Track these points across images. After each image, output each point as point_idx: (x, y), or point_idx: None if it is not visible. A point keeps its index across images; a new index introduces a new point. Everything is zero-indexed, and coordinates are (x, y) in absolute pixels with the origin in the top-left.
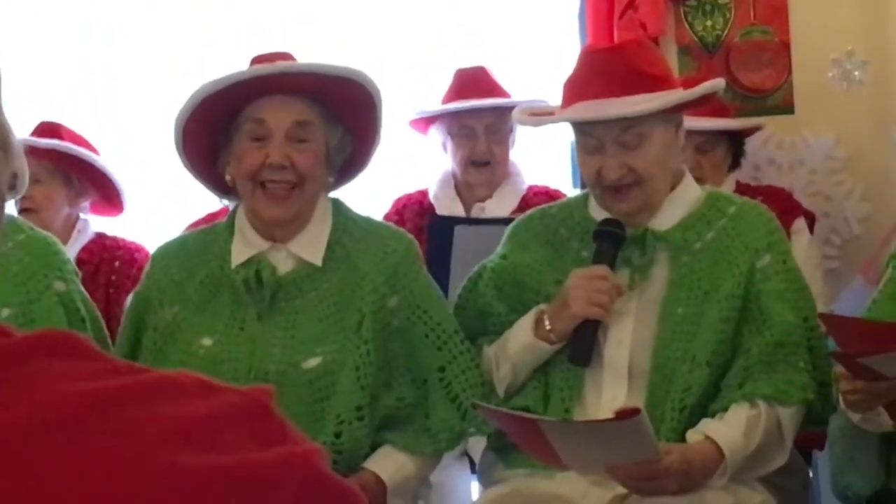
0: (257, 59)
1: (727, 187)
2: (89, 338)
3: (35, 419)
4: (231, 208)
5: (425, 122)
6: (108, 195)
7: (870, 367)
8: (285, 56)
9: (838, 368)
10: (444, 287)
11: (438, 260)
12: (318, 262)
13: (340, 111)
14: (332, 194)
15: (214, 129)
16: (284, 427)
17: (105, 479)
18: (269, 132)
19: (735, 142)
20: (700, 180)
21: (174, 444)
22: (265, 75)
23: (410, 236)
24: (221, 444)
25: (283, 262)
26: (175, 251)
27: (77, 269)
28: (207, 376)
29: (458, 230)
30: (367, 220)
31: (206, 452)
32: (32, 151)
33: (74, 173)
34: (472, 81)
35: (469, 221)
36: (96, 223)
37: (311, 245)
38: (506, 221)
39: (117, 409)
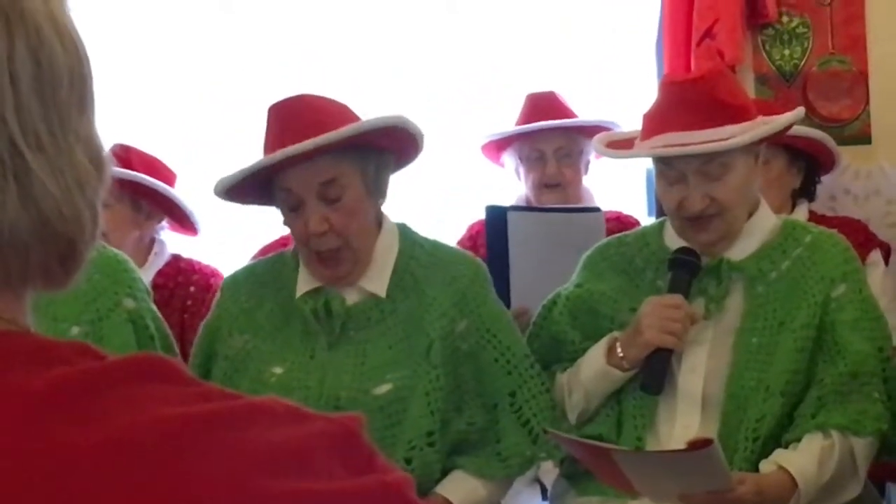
0: (274, 111)
1: (800, 216)
2: (181, 362)
3: (126, 443)
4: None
5: (497, 149)
6: (178, 218)
7: None
8: (302, 102)
9: None
10: (505, 276)
11: (496, 249)
12: (382, 294)
13: (370, 143)
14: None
15: (255, 192)
16: (374, 455)
17: (193, 503)
18: (300, 200)
19: (803, 165)
20: None
21: (264, 470)
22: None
23: (479, 260)
24: (311, 472)
25: (349, 293)
26: (244, 280)
27: (150, 289)
28: None
29: (512, 216)
30: (435, 245)
31: (296, 479)
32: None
33: (142, 199)
34: (543, 105)
35: (522, 209)
36: (174, 243)
37: (376, 278)
38: (560, 210)
39: (207, 434)
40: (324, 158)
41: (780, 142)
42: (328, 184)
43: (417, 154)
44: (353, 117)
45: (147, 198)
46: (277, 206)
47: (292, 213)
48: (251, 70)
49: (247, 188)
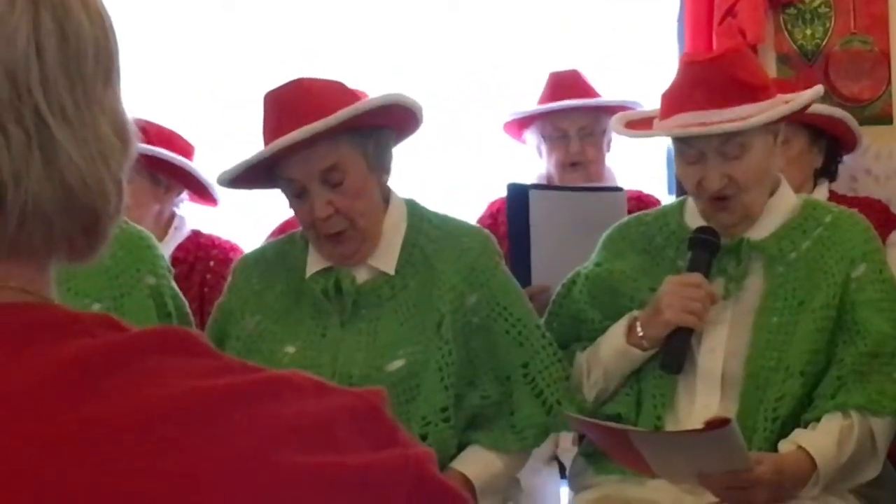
0: (270, 100)
1: (820, 196)
2: (202, 335)
3: (148, 414)
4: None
5: (519, 127)
6: (198, 191)
7: None
8: (298, 87)
9: None
10: (525, 254)
11: (517, 227)
12: (391, 271)
13: (368, 123)
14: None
15: (259, 178)
16: (396, 429)
17: (216, 476)
18: (303, 187)
19: (824, 145)
20: None
21: (287, 442)
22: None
23: (487, 231)
24: (334, 445)
25: (359, 270)
26: (254, 262)
27: (171, 266)
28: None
29: (534, 195)
30: (443, 219)
31: (319, 452)
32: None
33: (161, 173)
34: (566, 84)
35: (544, 187)
36: (193, 218)
37: (384, 255)
38: (582, 189)
39: (231, 407)
40: (323, 144)
41: (801, 120)
42: (330, 169)
43: (417, 127)
44: (349, 97)
45: (165, 171)
46: (282, 192)
47: (297, 199)
48: (252, 68)
49: (250, 177)
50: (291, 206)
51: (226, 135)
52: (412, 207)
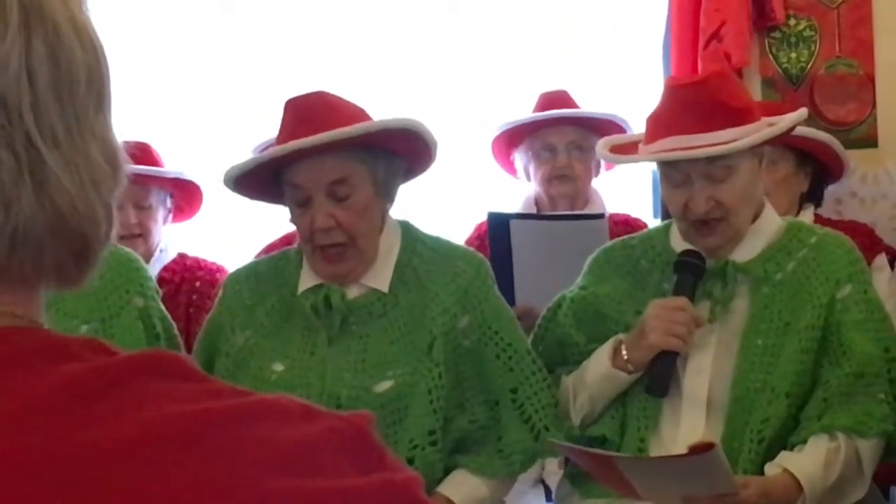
0: (290, 105)
1: (805, 220)
2: (190, 358)
3: (136, 439)
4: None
5: (508, 146)
6: (189, 200)
7: None
8: (318, 98)
9: None
10: (509, 283)
11: (499, 256)
12: (385, 289)
13: (382, 144)
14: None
15: (263, 186)
16: (383, 454)
17: (203, 501)
18: (307, 196)
19: (811, 169)
20: None
21: (274, 467)
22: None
23: (481, 256)
24: (321, 470)
25: (351, 288)
26: (246, 277)
27: (158, 287)
28: None
29: (515, 224)
30: (437, 241)
31: (306, 477)
32: (137, 179)
33: (177, 198)
34: (555, 102)
35: (525, 216)
36: (178, 241)
37: (378, 273)
38: (563, 217)
39: (218, 432)
40: (335, 156)
41: (787, 143)
42: (338, 182)
43: (429, 164)
44: (367, 119)
45: (182, 195)
46: (284, 203)
47: (300, 208)
48: (251, 72)
49: (256, 180)
50: (293, 216)
51: (224, 139)
52: (406, 229)
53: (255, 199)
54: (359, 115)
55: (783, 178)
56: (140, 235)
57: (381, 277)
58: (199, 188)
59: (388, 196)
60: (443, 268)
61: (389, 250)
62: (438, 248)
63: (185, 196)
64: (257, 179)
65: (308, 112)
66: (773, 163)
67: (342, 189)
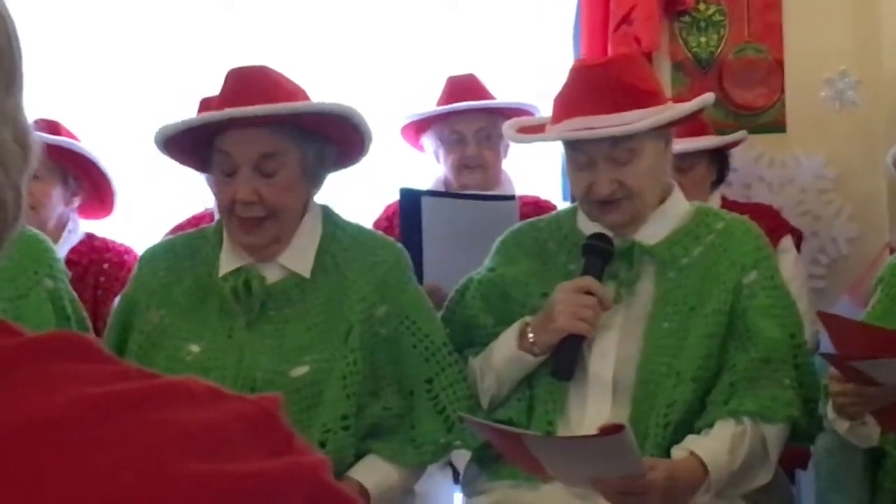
0: (232, 74)
1: (713, 203)
2: (97, 340)
3: (40, 421)
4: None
5: (416, 131)
6: (101, 195)
7: (863, 371)
8: (261, 71)
9: (830, 370)
10: (417, 260)
11: (409, 233)
12: (307, 274)
13: (316, 127)
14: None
15: (193, 150)
16: (291, 437)
17: (108, 484)
18: (235, 166)
19: (718, 157)
20: None
21: (180, 450)
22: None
23: (400, 246)
24: (228, 452)
25: (271, 272)
26: (163, 254)
27: (66, 269)
28: None
29: (426, 201)
30: (357, 229)
31: (213, 460)
32: None
33: (73, 172)
34: (463, 87)
35: (437, 194)
36: (84, 224)
37: (299, 257)
38: (475, 196)
39: (125, 414)
40: (268, 130)
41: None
42: (267, 156)
43: (361, 154)
44: (306, 99)
45: (78, 170)
46: (211, 171)
47: (225, 177)
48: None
49: (187, 142)
50: (216, 185)
51: None
52: (327, 214)
53: (183, 163)
54: (299, 94)
55: (700, 179)
56: (31, 207)
57: (302, 261)
58: (109, 180)
59: (315, 181)
60: (362, 256)
61: (312, 234)
62: (358, 236)
63: (93, 184)
64: (189, 142)
65: (248, 82)
66: (692, 167)
67: (270, 164)
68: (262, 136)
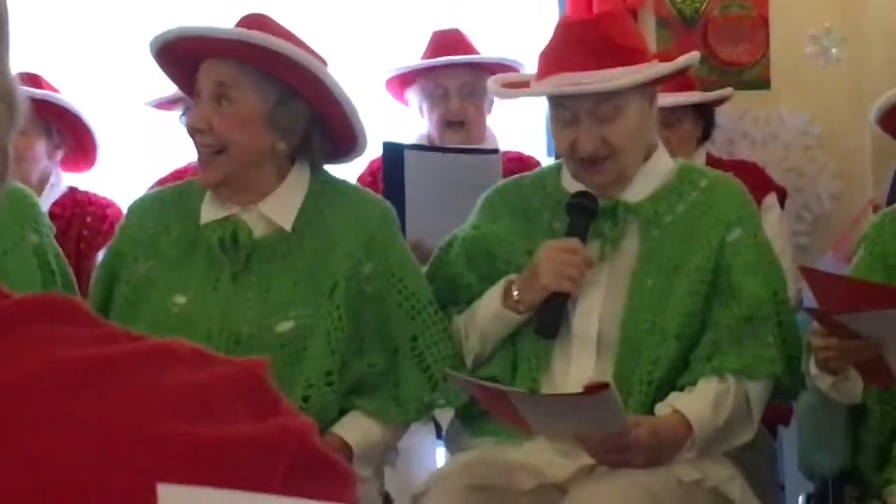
0: (241, 21)
1: (697, 160)
2: (84, 302)
3: (26, 384)
4: None
5: (401, 85)
6: (84, 149)
7: (846, 324)
8: (260, 18)
9: (813, 325)
10: (400, 214)
11: (392, 187)
12: (288, 227)
13: (285, 77)
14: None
15: (187, 71)
16: (278, 400)
17: (94, 446)
18: (198, 92)
19: (704, 114)
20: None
21: (167, 412)
22: (188, 36)
23: (388, 203)
24: (215, 415)
25: (256, 225)
26: (150, 205)
27: (51, 223)
28: (180, 335)
29: (409, 155)
30: (345, 185)
31: (199, 422)
32: None
33: (56, 125)
34: (448, 42)
35: (420, 148)
36: (67, 178)
37: (282, 209)
38: (457, 150)
39: (111, 376)
40: (234, 63)
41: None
42: (222, 85)
43: (339, 118)
44: (306, 49)
45: (61, 124)
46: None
47: (195, 102)
48: None
49: (173, 61)
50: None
51: None
52: (315, 169)
53: (174, 80)
54: (299, 44)
55: (687, 136)
56: (14, 161)
57: (284, 213)
58: (92, 133)
59: (281, 130)
60: (349, 213)
61: (297, 188)
62: (346, 193)
63: (76, 137)
64: (174, 61)
65: (251, 19)
66: (679, 121)
67: (225, 93)
68: (224, 66)
